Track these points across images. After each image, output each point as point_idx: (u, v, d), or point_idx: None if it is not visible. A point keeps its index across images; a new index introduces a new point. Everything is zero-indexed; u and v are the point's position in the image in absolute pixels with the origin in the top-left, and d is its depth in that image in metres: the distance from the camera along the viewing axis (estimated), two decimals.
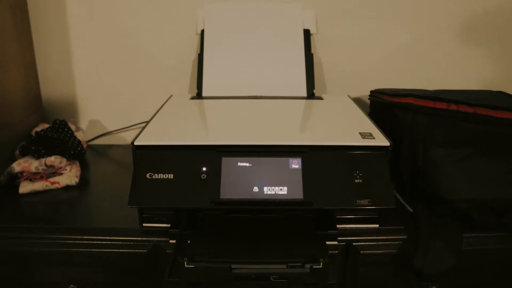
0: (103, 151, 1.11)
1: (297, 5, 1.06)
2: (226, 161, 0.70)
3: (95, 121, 1.17)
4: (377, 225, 0.74)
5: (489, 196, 0.74)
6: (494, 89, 0.98)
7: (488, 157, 0.74)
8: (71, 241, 0.71)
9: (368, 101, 1.04)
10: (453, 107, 0.77)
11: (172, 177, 0.69)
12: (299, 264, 0.61)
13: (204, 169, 0.69)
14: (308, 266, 0.61)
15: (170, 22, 1.09)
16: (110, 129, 1.17)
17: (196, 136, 0.74)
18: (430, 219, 0.74)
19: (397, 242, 0.72)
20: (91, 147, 1.13)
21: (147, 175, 0.69)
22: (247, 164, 0.70)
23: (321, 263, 0.61)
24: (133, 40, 1.10)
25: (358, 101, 1.10)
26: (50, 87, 1.13)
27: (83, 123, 1.17)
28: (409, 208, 0.79)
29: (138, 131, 0.95)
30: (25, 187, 0.85)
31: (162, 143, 0.71)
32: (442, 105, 0.79)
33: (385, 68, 1.13)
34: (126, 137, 1.18)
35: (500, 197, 0.74)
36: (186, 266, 0.61)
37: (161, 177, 0.69)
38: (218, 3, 1.07)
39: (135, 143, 0.70)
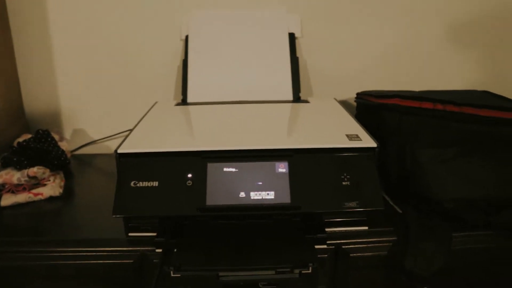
0: (88, 161, 1.10)
1: (282, 9, 1.06)
2: (211, 167, 0.69)
3: (79, 130, 1.15)
4: (366, 227, 0.73)
5: (477, 195, 0.74)
6: (479, 88, 0.98)
7: (475, 156, 0.74)
8: (56, 254, 0.70)
9: (355, 104, 1.03)
10: (440, 107, 0.77)
11: (157, 185, 0.68)
12: (288, 269, 0.61)
13: (189, 175, 0.68)
14: (297, 271, 0.60)
15: (153, 28, 1.08)
16: (95, 138, 1.15)
17: (180, 142, 0.74)
18: (419, 220, 0.73)
19: (387, 244, 0.71)
20: (76, 157, 1.11)
21: (132, 184, 0.68)
22: (233, 170, 0.69)
23: (311, 268, 0.60)
24: (116, 47, 1.09)
25: (344, 104, 1.10)
26: (33, 96, 1.11)
27: (68, 133, 1.15)
28: (398, 210, 0.78)
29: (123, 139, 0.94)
30: (7, 200, 0.83)
31: (146, 151, 0.70)
32: (429, 105, 0.79)
33: (371, 71, 1.13)
34: (112, 146, 1.16)
35: (488, 195, 0.74)
36: (172, 275, 0.60)
37: (146, 185, 0.68)
38: (202, 8, 1.06)
39: (119, 151, 0.69)
